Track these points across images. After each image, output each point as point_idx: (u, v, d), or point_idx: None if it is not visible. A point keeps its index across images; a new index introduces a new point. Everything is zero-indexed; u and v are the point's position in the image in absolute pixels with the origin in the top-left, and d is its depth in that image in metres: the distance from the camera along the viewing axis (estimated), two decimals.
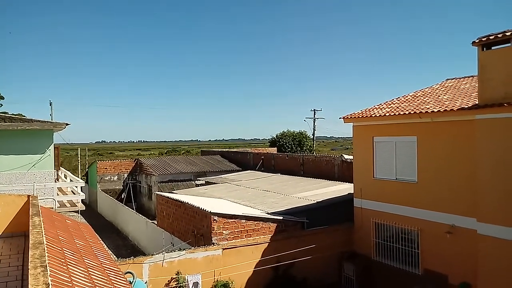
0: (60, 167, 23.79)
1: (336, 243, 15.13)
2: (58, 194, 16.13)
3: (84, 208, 16.01)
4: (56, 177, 19.66)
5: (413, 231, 13.56)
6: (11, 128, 14.96)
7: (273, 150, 39.90)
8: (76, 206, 15.75)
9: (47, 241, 5.40)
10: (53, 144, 16.34)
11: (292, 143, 45.35)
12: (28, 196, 8.71)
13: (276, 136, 47.05)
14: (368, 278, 14.64)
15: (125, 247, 21.60)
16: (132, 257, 11.97)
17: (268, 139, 49.39)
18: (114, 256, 17.69)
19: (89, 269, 5.53)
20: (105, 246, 19.94)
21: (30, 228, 5.77)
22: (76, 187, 16.80)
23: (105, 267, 6.24)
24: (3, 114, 18.10)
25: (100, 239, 10.46)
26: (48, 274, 3.68)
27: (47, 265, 4.07)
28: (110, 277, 5.76)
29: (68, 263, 5.17)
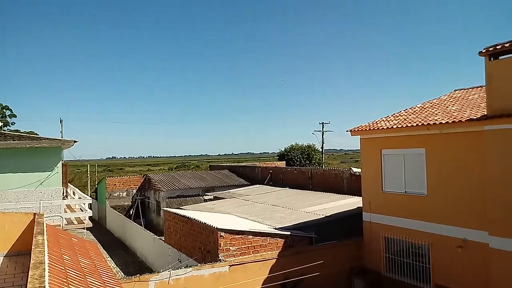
0: (69, 184, 23.95)
1: (346, 258, 14.88)
2: (66, 211, 16.16)
3: (91, 225, 15.99)
4: (64, 194, 19.76)
5: (424, 245, 13.28)
6: (20, 146, 15.12)
7: (282, 163, 39.76)
8: (84, 223, 15.74)
9: (49, 260, 5.36)
10: (61, 161, 16.45)
11: (301, 157, 45.18)
12: (34, 214, 8.73)
13: (285, 149, 46.99)
14: None
15: (133, 264, 21.50)
16: (138, 275, 11.87)
17: (277, 152, 49.33)
18: (122, 273, 17.62)
19: None
20: (113, 263, 19.91)
21: (32, 247, 5.75)
22: (84, 204, 16.83)
23: (108, 286, 6.17)
24: (13, 133, 18.35)
25: (106, 256, 10.46)
26: None
27: (47, 285, 4.02)
28: None
29: (70, 283, 5.11)
